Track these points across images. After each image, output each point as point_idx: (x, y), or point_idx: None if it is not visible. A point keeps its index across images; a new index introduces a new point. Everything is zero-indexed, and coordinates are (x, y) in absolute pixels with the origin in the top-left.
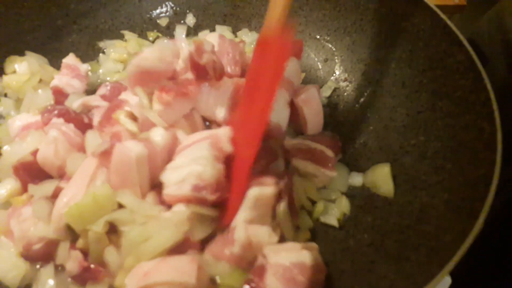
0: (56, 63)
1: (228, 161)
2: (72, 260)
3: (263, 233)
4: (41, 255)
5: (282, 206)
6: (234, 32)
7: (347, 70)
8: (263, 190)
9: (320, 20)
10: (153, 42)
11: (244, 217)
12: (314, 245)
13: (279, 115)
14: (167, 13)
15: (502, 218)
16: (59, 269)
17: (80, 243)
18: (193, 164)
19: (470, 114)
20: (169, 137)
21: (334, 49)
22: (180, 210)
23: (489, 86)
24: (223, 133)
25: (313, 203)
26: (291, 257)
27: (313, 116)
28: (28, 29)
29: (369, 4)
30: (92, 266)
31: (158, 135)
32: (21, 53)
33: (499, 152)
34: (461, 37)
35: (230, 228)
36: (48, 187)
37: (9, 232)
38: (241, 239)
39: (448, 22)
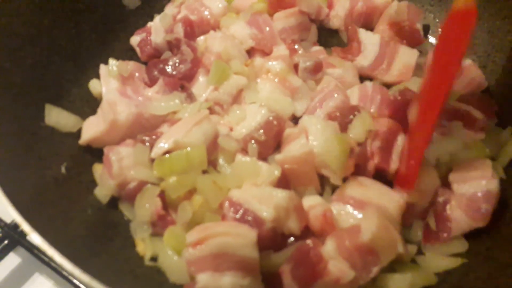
0: None
1: None
2: (152, 207)
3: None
4: (131, 195)
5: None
6: None
7: None
8: None
9: None
10: None
11: None
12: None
13: None
14: None
15: None
16: None
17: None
18: None
19: None
20: None
21: (437, 20)
22: None
23: None
24: None
25: None
26: (479, 186)
27: None
28: None
29: None
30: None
31: None
32: None
33: None
34: None
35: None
36: None
37: (107, 164)
38: None
39: None
